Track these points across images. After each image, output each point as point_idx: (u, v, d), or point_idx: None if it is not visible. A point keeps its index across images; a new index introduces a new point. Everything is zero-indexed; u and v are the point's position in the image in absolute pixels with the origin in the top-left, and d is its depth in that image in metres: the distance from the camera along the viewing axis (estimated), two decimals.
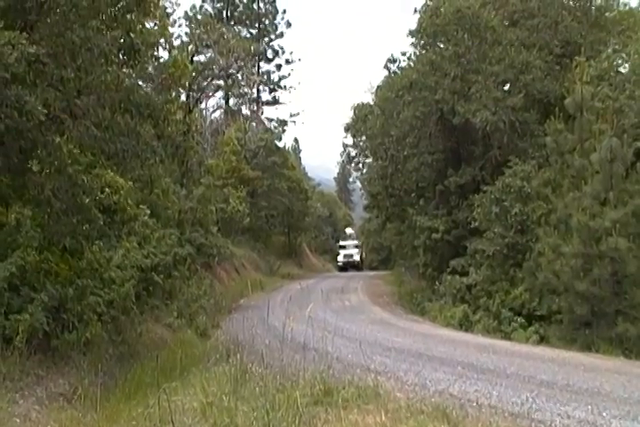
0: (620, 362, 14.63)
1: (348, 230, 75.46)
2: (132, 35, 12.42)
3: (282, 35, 61.96)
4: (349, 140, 51.51)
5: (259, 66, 59.11)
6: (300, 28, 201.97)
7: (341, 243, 66.92)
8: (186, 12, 46.00)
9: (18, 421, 8.54)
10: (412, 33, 30.45)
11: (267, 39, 61.38)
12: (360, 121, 41.15)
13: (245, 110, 55.19)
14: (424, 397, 8.87)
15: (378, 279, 44.22)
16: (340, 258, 63.46)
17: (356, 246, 64.79)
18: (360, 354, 11.85)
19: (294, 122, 61.70)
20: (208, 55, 34.77)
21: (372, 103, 40.49)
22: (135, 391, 10.86)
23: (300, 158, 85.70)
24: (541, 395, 10.36)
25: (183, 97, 30.31)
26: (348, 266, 61.41)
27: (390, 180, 33.94)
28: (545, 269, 19.01)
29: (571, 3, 29.31)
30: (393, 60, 35.79)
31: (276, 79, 61.85)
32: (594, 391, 10.73)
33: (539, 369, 12.95)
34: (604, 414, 9.11)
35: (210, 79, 36.67)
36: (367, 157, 45.38)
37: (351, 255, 62.73)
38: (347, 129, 45.98)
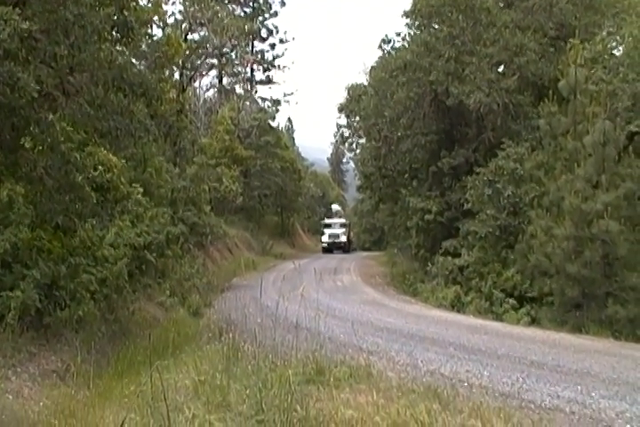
0: (610, 344, 14.74)
1: (335, 207, 68.80)
2: (125, 12, 12.25)
3: (276, 14, 61.37)
4: (343, 121, 51.44)
5: (253, 45, 58.74)
6: (294, 7, 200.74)
7: (326, 221, 60.15)
8: None
9: (10, 397, 8.57)
10: (406, 13, 30.21)
11: (261, 18, 60.74)
12: (354, 101, 41.03)
13: (239, 89, 55.02)
14: (415, 377, 8.96)
15: (370, 260, 44.39)
16: (325, 238, 57.35)
17: (343, 225, 58.88)
18: (352, 334, 11.93)
19: (288, 102, 61.51)
20: (202, 33, 34.51)
21: (366, 84, 40.38)
22: (128, 369, 10.93)
23: (293, 138, 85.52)
24: (531, 375, 10.47)
25: (177, 75, 30.22)
26: (334, 247, 55.90)
27: (384, 161, 33.88)
28: (537, 251, 19.10)
29: None
30: (387, 41, 35.54)
31: (270, 58, 61.45)
32: (583, 372, 10.85)
33: (529, 350, 13.06)
34: (593, 394, 9.22)
35: (204, 58, 36.52)
36: (361, 137, 45.31)
37: (337, 235, 56.83)
38: (340, 109, 45.94)
